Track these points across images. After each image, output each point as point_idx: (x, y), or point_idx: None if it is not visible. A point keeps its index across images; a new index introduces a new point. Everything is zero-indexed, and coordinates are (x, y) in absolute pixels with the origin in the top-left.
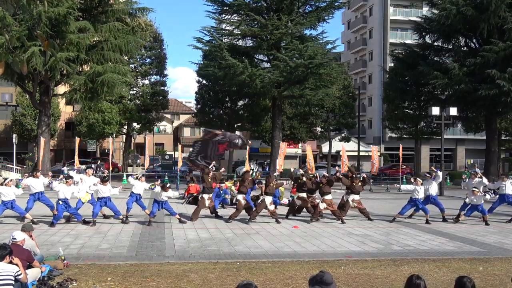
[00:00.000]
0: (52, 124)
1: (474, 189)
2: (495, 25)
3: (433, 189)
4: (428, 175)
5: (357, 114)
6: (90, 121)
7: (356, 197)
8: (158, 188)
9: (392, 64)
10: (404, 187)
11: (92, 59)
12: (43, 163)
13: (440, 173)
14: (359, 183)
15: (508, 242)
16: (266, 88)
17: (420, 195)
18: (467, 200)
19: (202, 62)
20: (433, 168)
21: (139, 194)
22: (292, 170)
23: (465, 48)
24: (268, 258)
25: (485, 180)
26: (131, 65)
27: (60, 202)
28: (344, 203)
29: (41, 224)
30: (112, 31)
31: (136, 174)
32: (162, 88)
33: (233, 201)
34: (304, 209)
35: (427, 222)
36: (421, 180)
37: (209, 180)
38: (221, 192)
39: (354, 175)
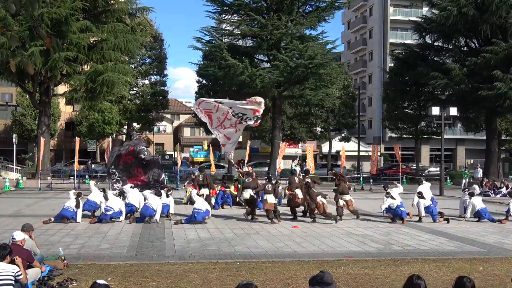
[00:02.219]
0: (52, 124)
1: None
2: (498, 25)
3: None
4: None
5: (357, 114)
6: (90, 121)
7: (347, 197)
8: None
9: (392, 64)
10: (384, 206)
11: (92, 59)
12: (43, 163)
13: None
14: (347, 184)
15: (508, 242)
16: (266, 88)
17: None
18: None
19: (202, 62)
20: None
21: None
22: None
23: (465, 48)
24: (268, 258)
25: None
26: (131, 65)
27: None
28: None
29: (40, 224)
30: (113, 31)
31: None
32: (162, 88)
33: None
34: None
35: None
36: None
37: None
38: (226, 195)
39: (340, 176)
